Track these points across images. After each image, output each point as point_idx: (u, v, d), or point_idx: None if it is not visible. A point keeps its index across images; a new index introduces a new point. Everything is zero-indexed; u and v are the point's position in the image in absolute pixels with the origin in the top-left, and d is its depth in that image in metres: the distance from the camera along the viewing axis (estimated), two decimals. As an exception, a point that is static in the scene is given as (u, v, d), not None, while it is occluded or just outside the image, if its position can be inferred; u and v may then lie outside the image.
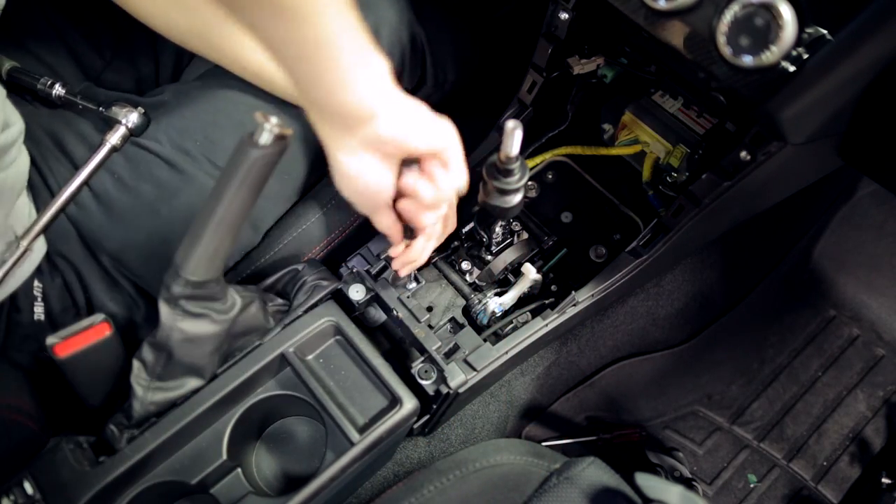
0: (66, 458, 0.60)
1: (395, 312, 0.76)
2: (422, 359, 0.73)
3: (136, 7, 0.71)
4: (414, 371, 0.71)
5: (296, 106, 0.78)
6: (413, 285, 0.82)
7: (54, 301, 0.74)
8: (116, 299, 0.76)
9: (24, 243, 0.68)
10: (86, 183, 0.73)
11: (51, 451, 0.61)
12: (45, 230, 0.71)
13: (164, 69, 0.94)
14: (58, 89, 0.73)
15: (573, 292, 0.79)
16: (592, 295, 0.81)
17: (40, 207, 0.73)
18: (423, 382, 0.73)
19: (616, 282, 0.82)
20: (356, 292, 0.77)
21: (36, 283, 0.72)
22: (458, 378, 0.72)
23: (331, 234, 0.91)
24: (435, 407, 0.77)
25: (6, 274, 0.67)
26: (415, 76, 0.92)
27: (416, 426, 0.82)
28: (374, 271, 0.79)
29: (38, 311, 0.72)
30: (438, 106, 1.03)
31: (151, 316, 0.79)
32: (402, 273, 0.75)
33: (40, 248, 0.73)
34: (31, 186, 0.73)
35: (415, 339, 0.74)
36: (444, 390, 0.72)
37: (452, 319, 0.77)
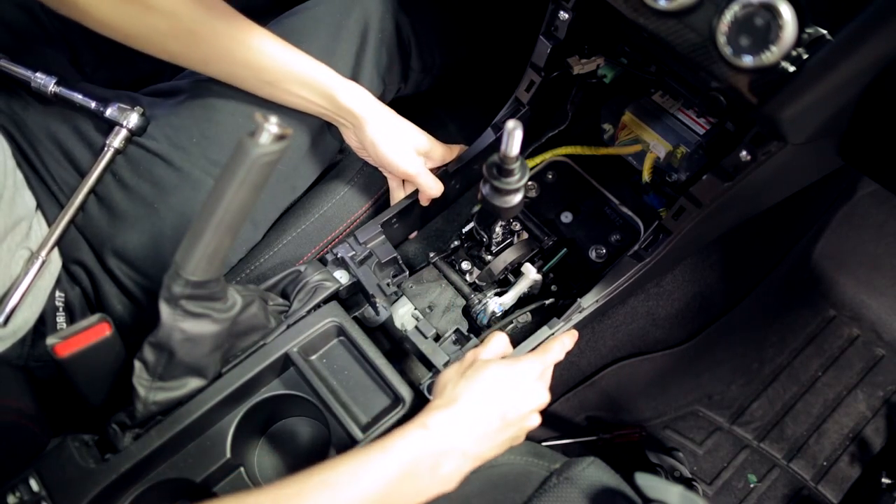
0: (72, 455, 0.60)
1: (402, 329, 0.76)
2: (430, 375, 0.72)
3: (105, 17, 0.64)
4: (423, 387, 0.71)
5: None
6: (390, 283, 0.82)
7: (76, 309, 0.74)
8: (124, 301, 0.76)
9: (43, 254, 0.69)
10: (93, 190, 0.73)
11: (56, 448, 0.61)
12: (60, 240, 0.71)
13: (163, 67, 0.94)
14: (53, 86, 0.72)
15: (578, 299, 0.79)
16: (597, 300, 0.81)
17: (47, 213, 0.73)
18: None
19: (620, 286, 0.82)
20: (339, 278, 0.77)
21: (58, 293, 0.73)
22: None
23: (330, 235, 0.91)
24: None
25: (30, 286, 0.68)
26: (404, 63, 0.92)
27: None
28: (358, 258, 0.79)
29: (61, 320, 0.72)
30: (431, 91, 1.04)
31: (157, 316, 0.80)
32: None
33: (56, 258, 0.73)
34: (35, 196, 0.73)
35: (422, 355, 0.73)
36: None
37: (458, 331, 0.77)
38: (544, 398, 0.65)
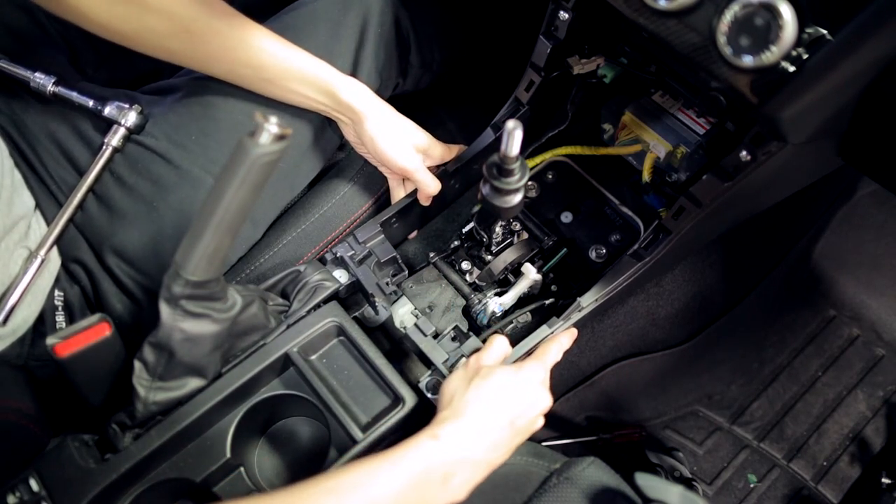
0: (72, 455, 0.60)
1: (402, 327, 0.76)
2: (429, 373, 0.72)
3: (103, 19, 0.64)
4: (422, 385, 0.71)
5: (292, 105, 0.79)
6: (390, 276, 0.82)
7: (76, 309, 0.74)
8: (123, 300, 0.76)
9: (42, 253, 0.69)
10: (91, 188, 0.73)
11: (56, 448, 0.61)
12: (59, 239, 0.71)
13: (163, 66, 0.94)
14: (51, 86, 0.72)
15: (578, 298, 0.79)
16: (597, 300, 0.81)
17: (46, 212, 0.73)
18: (433, 397, 0.72)
19: (619, 285, 0.82)
20: (338, 277, 0.77)
21: (57, 292, 0.73)
22: None
23: (330, 235, 0.91)
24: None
25: (29, 285, 0.68)
26: (402, 58, 0.92)
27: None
28: (357, 257, 0.79)
29: (60, 319, 0.72)
30: (431, 90, 1.04)
31: (157, 315, 0.80)
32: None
33: (55, 257, 0.73)
34: (34, 195, 0.73)
35: (421, 353, 0.73)
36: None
37: (456, 328, 0.77)
38: (548, 401, 0.65)
